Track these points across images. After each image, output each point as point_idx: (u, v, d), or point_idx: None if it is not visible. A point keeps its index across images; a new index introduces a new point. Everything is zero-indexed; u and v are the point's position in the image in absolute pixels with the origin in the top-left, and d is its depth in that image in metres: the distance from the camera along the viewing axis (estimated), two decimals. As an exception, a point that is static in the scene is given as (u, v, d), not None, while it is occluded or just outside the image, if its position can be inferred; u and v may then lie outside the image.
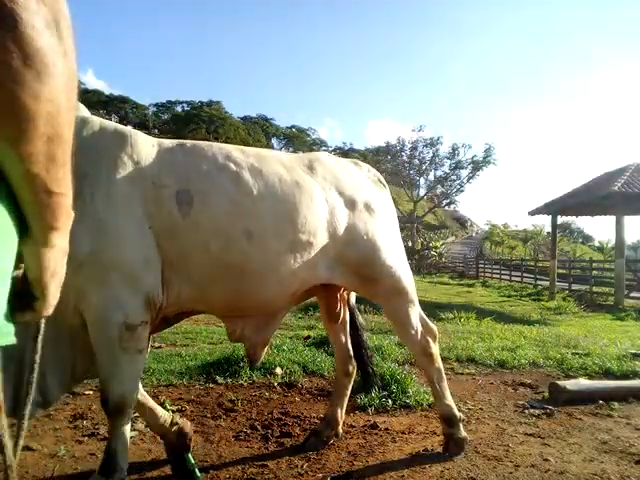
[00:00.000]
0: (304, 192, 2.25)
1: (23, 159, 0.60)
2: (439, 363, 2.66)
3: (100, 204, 1.84)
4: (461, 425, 2.64)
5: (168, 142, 2.16)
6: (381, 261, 2.43)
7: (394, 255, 2.52)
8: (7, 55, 0.54)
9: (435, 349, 2.64)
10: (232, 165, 2.14)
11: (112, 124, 2.06)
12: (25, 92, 0.56)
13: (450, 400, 2.65)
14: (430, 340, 2.62)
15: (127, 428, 2.05)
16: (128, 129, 2.07)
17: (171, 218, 1.97)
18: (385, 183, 2.78)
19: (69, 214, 0.73)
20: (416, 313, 2.59)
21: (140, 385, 2.19)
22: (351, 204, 2.41)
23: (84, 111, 2.08)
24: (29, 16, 0.54)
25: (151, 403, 2.39)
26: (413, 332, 2.56)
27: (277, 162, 2.30)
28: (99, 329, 1.90)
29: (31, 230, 0.69)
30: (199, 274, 2.05)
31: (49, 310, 0.79)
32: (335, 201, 2.35)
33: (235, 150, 2.24)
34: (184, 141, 2.21)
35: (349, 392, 2.90)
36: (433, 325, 2.70)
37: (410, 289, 2.57)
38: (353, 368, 2.88)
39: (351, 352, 2.89)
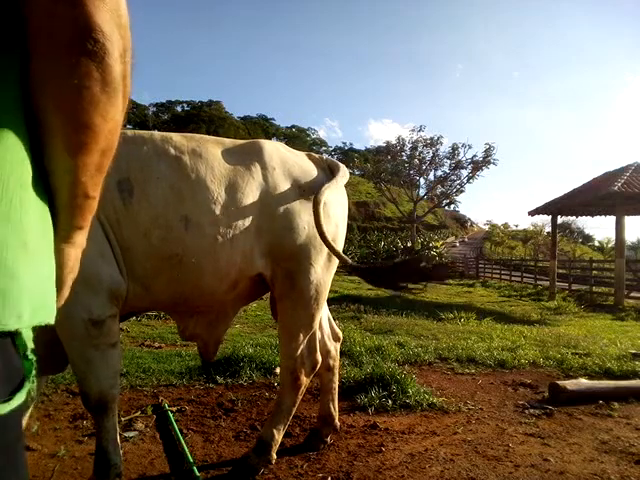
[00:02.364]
0: (242, 176, 2.18)
1: (78, 169, 0.65)
2: (298, 397, 2.48)
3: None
4: (273, 454, 2.42)
5: None
6: (311, 259, 2.30)
7: (324, 258, 2.38)
8: (91, 82, 0.60)
9: (305, 380, 2.48)
10: (172, 150, 2.09)
11: None
12: (97, 113, 0.63)
13: (281, 430, 2.47)
14: (306, 368, 2.47)
15: (114, 423, 2.00)
16: None
17: (115, 209, 1.92)
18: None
19: (93, 213, 0.77)
20: (309, 334, 2.44)
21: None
22: (297, 192, 2.31)
23: None
24: (113, 49, 0.61)
25: None
26: (295, 349, 2.39)
27: (218, 146, 2.24)
28: (65, 329, 1.85)
29: (58, 228, 0.71)
30: (142, 268, 1.99)
31: (61, 302, 0.82)
32: (277, 187, 2.26)
33: (177, 136, 2.18)
34: (125, 131, 2.15)
35: (336, 385, 2.84)
36: (319, 357, 2.56)
37: (320, 304, 2.41)
38: (334, 361, 2.80)
39: (329, 347, 2.78)
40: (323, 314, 2.76)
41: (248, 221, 2.16)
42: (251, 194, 2.18)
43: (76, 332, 1.85)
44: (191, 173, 2.07)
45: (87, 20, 0.57)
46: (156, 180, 2.00)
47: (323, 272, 2.38)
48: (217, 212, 2.07)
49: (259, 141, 2.43)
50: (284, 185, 2.29)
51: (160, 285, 2.06)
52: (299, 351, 2.42)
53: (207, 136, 2.32)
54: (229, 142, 2.34)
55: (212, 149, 2.19)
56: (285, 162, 2.36)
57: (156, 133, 2.18)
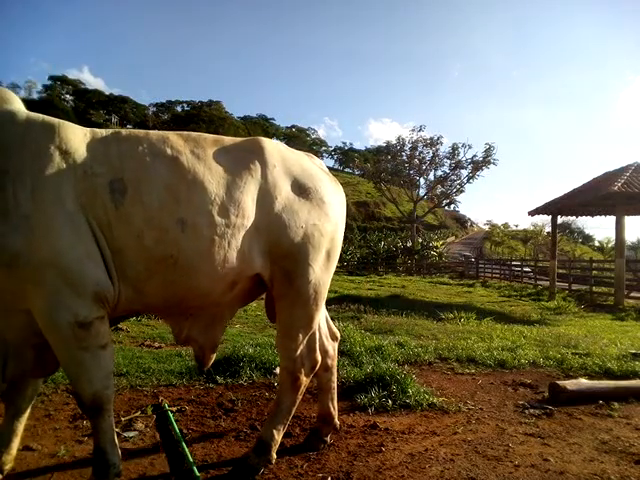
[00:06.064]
0: (242, 175, 2.16)
1: None
2: (297, 397, 2.48)
3: (24, 200, 1.77)
4: (273, 454, 2.43)
5: (102, 131, 2.07)
6: (309, 258, 2.28)
7: (323, 257, 2.35)
8: None
9: (304, 380, 2.47)
10: (168, 150, 2.05)
11: (40, 116, 1.95)
12: None
13: (281, 430, 2.47)
14: (305, 368, 2.47)
15: (111, 424, 1.98)
16: (57, 120, 1.96)
17: (105, 209, 1.88)
18: (338, 182, 2.66)
19: None
20: (307, 334, 2.42)
21: None
22: (296, 190, 2.29)
23: (13, 102, 1.95)
24: None
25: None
26: (294, 349, 2.38)
27: (216, 145, 2.21)
28: (51, 332, 1.83)
29: None
30: (134, 270, 1.96)
31: None
32: (277, 185, 2.24)
33: (174, 135, 2.15)
34: (120, 130, 2.13)
35: (335, 384, 2.82)
36: (318, 357, 2.55)
37: (318, 304, 2.38)
38: (332, 361, 2.78)
39: (327, 346, 2.76)
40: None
41: (247, 221, 2.14)
42: (250, 193, 2.16)
43: (63, 335, 1.82)
44: (188, 174, 2.04)
45: None
46: (151, 181, 1.97)
47: (322, 272, 2.36)
48: (215, 213, 2.05)
49: (259, 139, 2.41)
50: (284, 183, 2.28)
51: (153, 287, 2.03)
52: (298, 351, 2.40)
53: (205, 134, 2.29)
54: (228, 140, 2.33)
55: (210, 149, 2.17)
56: (286, 160, 2.35)
57: (152, 132, 2.14)
